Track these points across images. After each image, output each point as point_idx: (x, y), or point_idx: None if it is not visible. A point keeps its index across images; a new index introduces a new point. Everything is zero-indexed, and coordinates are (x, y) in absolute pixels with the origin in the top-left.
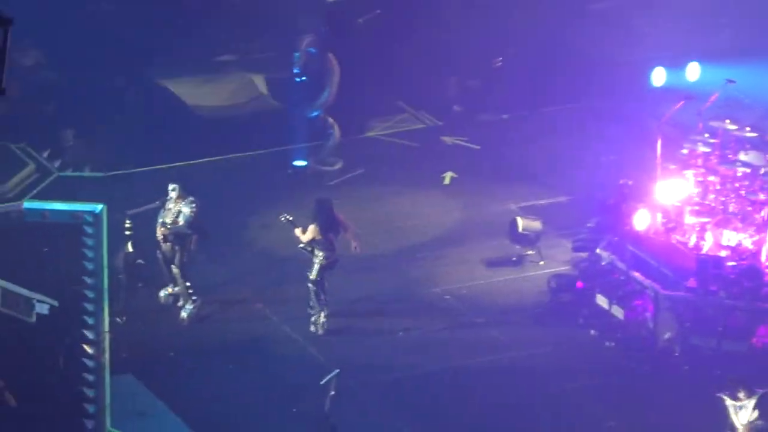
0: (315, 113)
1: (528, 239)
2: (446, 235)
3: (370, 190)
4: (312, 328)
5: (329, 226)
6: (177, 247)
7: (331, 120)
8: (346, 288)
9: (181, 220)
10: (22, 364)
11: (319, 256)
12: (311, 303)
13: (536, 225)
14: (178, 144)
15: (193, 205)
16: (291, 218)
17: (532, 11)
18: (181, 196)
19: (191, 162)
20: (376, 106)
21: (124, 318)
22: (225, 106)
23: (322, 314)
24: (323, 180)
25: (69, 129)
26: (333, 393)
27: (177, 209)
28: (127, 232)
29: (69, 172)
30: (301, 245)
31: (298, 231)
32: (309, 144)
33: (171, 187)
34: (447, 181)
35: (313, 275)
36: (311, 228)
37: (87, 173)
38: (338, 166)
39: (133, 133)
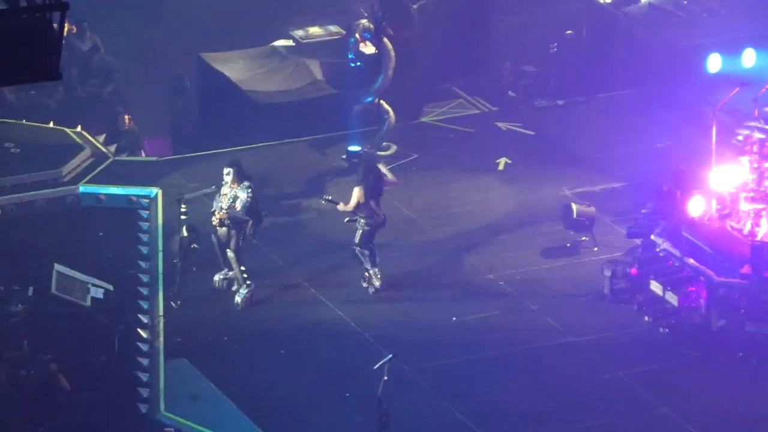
0: (369, 99)
1: (582, 225)
2: (500, 220)
3: (424, 175)
4: (364, 284)
5: (374, 190)
6: (232, 232)
7: (385, 105)
8: (399, 273)
9: (237, 205)
10: (76, 349)
11: (360, 222)
12: (363, 266)
13: (590, 211)
14: (233, 129)
15: (249, 189)
16: (330, 197)
17: None
18: (237, 181)
19: (246, 147)
20: (430, 91)
21: (179, 302)
22: (280, 91)
23: (376, 274)
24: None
25: (125, 113)
26: (386, 378)
27: (233, 194)
28: (182, 217)
29: (125, 157)
30: (347, 218)
31: (340, 206)
32: (363, 129)
33: (226, 171)
34: (501, 166)
35: (357, 240)
36: (356, 191)
37: (142, 158)
38: (392, 151)
39: (188, 117)
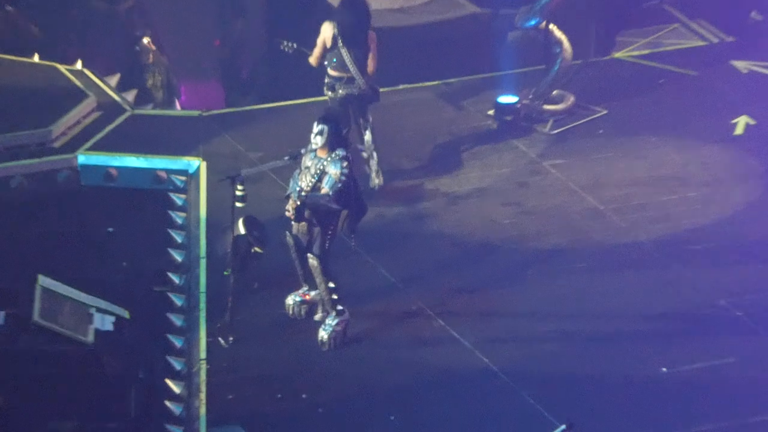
0: (533, 21)
1: None
2: (740, 218)
3: (616, 143)
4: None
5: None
6: (316, 229)
7: (558, 33)
8: (575, 297)
9: (324, 186)
10: (70, 411)
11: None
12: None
13: None
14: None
15: (345, 163)
16: (296, 45)
17: None
18: (328, 148)
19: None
20: (630, 12)
21: (231, 338)
22: (390, 10)
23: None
24: (544, 125)
25: (147, 36)
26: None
27: (319, 168)
28: (239, 204)
29: (149, 109)
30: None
31: (313, 59)
32: (522, 69)
33: (316, 129)
34: (740, 129)
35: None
36: (327, 26)
37: (177, 112)
38: (568, 104)
39: (248, 53)
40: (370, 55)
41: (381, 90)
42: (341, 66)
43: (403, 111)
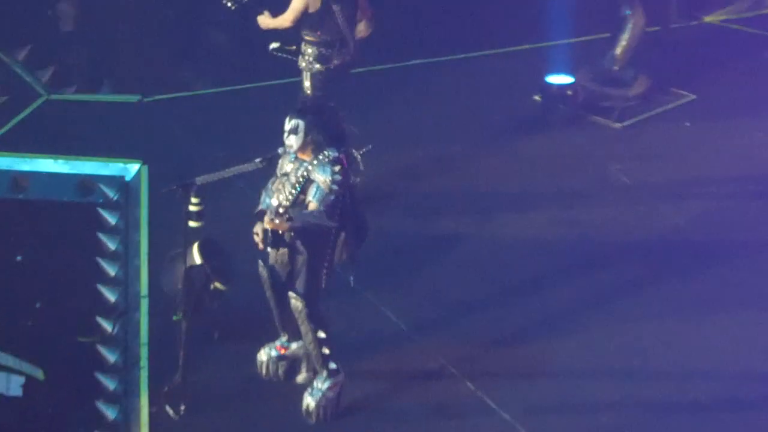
0: None
1: None
2: None
3: (701, 136)
4: None
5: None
6: (301, 257)
7: None
8: (661, 351)
9: (312, 200)
10: None
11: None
12: None
13: None
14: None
15: (337, 167)
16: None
17: None
18: (311, 148)
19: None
20: None
21: (183, 407)
22: None
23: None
24: (609, 115)
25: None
26: None
27: (301, 175)
28: (193, 223)
29: (71, 94)
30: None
31: (273, 20)
32: (579, 39)
33: (289, 124)
34: None
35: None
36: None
37: (109, 96)
38: (639, 87)
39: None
40: (367, 13)
41: (388, 67)
42: (331, 29)
43: (418, 94)
